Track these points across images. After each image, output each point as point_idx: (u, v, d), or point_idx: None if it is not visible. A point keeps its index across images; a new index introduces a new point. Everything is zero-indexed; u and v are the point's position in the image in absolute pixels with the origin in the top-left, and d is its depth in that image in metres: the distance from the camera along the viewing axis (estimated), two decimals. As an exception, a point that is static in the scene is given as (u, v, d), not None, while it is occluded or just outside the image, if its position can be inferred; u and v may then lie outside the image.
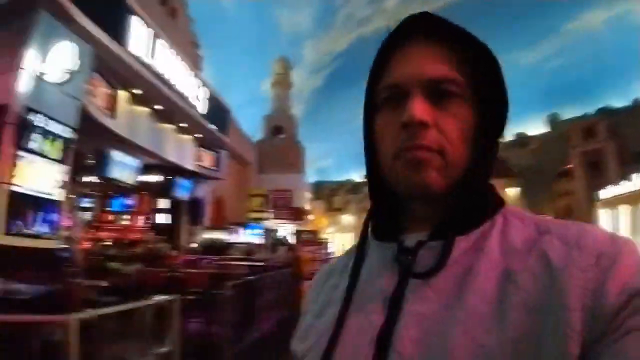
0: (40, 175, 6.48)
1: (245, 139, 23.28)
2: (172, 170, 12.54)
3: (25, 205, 6.24)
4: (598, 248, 0.52)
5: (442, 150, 0.58)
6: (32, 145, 6.28)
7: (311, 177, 30.63)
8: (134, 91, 9.75)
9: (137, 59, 9.06)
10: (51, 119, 6.62)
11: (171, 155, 11.86)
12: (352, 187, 55.43)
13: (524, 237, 0.58)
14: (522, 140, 44.90)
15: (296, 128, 32.89)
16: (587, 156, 30.09)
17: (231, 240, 14.81)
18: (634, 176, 17.91)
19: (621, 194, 18.49)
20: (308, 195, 28.11)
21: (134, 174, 10.42)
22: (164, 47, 10.26)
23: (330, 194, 49.23)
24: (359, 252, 0.68)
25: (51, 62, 6.64)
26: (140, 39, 9.26)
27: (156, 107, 10.63)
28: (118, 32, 8.51)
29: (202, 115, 12.52)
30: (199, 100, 12.33)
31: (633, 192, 17.28)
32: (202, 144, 13.61)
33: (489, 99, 0.62)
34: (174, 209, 14.21)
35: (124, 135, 9.47)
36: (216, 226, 15.87)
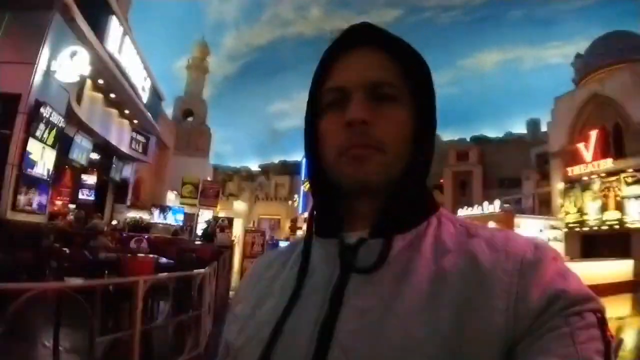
0: (40, 160, 7.43)
1: (169, 124, 23.75)
2: (112, 151, 13.29)
3: (28, 186, 7.20)
4: (522, 254, 0.55)
5: (382, 147, 0.61)
6: (38, 133, 7.27)
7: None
8: (99, 81, 10.59)
9: (110, 55, 9.99)
10: (53, 110, 7.58)
11: (113, 139, 12.70)
12: (248, 175, 56.77)
13: (455, 239, 0.61)
14: (407, 153, 49.82)
15: (206, 112, 33.51)
16: (457, 175, 34.87)
17: (152, 221, 15.73)
18: (485, 203, 22.22)
19: (474, 215, 22.69)
20: (209, 179, 29.07)
21: (86, 155, 11.16)
22: (130, 44, 11.18)
23: (225, 179, 49.92)
24: (306, 247, 0.68)
25: (63, 62, 7.58)
26: (115, 37, 10.19)
27: (112, 95, 11.49)
28: (101, 31, 9.43)
29: (144, 104, 13.47)
30: (144, 90, 13.28)
31: (483, 215, 21.41)
32: (136, 128, 14.45)
33: (422, 103, 0.67)
34: (100, 188, 14.76)
35: (84, 119, 10.32)
36: (138, 206, 16.57)
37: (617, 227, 18.91)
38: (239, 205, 34.63)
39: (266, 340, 0.60)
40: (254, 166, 69.29)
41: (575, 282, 0.53)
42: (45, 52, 7.33)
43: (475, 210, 23.73)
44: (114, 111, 12.54)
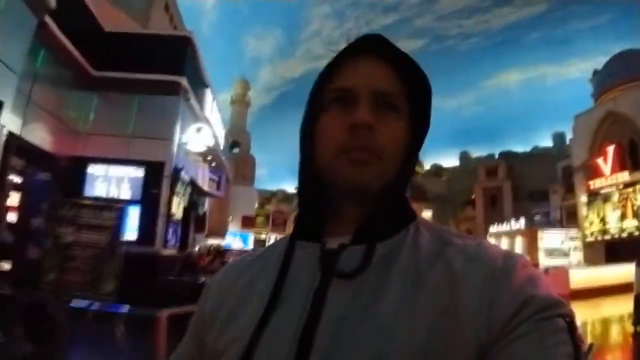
0: (177, 209, 10.15)
1: (229, 160, 26.72)
2: (198, 190, 16.09)
3: (170, 227, 9.90)
4: (494, 262, 0.58)
5: (382, 155, 0.63)
6: (177, 190, 9.97)
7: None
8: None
9: (207, 119, 12.75)
10: (186, 173, 10.31)
11: (199, 180, 15.47)
12: (284, 197, 59.91)
13: (432, 247, 0.62)
14: (438, 171, 51.93)
15: (250, 143, 36.55)
16: (487, 191, 36.73)
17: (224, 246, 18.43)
18: (513, 221, 24.65)
19: (503, 231, 24.87)
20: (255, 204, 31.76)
21: (188, 197, 13.98)
22: (212, 102, 14.00)
23: (263, 202, 52.76)
24: (289, 250, 0.68)
25: (192, 136, 10.33)
26: (209, 103, 12.98)
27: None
28: (201, 102, 12.21)
29: (221, 150, 16.25)
30: (221, 137, 16.08)
31: (511, 231, 23.58)
32: (211, 169, 17.24)
33: (420, 118, 0.69)
34: (184, 220, 17.51)
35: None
36: (213, 233, 19.37)
37: (636, 233, 20.57)
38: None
39: (247, 344, 0.59)
40: (290, 188, 72.20)
41: (544, 289, 0.55)
42: (177, 129, 10.07)
43: (504, 227, 26.14)
44: (200, 158, 15.35)
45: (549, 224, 28.67)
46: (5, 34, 6.08)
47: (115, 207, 6.07)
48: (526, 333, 0.51)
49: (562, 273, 16.68)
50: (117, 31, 10.08)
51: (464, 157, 52.56)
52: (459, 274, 0.57)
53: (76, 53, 8.47)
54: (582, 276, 15.76)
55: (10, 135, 6.57)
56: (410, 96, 0.69)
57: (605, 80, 27.38)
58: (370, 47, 0.68)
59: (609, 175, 22.59)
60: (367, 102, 0.64)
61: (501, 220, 30.58)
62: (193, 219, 18.13)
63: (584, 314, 12.33)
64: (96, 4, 9.39)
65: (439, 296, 0.55)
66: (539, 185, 32.83)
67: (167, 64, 9.87)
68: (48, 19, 7.16)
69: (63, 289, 5.41)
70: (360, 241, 0.63)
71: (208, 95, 12.84)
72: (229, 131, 36.40)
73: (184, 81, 9.91)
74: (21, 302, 5.06)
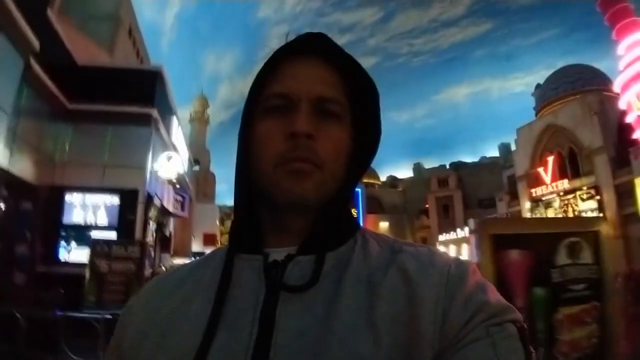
0: (150, 233, 10.68)
1: (191, 180, 27.01)
2: (165, 212, 16.49)
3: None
4: (447, 268, 0.57)
5: (322, 165, 0.60)
6: (150, 214, 10.52)
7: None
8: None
9: (173, 145, 13.30)
10: (158, 198, 10.86)
11: (165, 201, 15.92)
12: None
13: (383, 255, 0.61)
14: (393, 182, 53.83)
15: (210, 161, 36.87)
16: (440, 200, 38.49)
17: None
18: (459, 229, 26.78)
19: (452, 239, 26.76)
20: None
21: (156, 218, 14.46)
22: (179, 130, 14.59)
23: (223, 217, 52.63)
24: (227, 264, 0.62)
25: (163, 164, 10.91)
26: (175, 129, 13.57)
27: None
28: (168, 128, 12.79)
29: (185, 172, 16.77)
30: (185, 160, 16.62)
31: (458, 238, 25.45)
32: (176, 190, 17.68)
33: (365, 127, 0.67)
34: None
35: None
36: (178, 253, 19.64)
37: (577, 238, 22.54)
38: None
39: None
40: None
41: (494, 295, 0.55)
42: (149, 157, 10.62)
43: (452, 235, 28.25)
44: (166, 181, 15.81)
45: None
46: (-4, 77, 6.62)
47: (138, 243, 7.93)
48: (479, 338, 0.51)
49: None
50: (90, 65, 10.54)
51: (417, 168, 54.60)
52: (414, 279, 0.56)
53: (53, 87, 8.94)
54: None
55: (1, 171, 7.05)
56: (355, 100, 0.66)
57: (545, 95, 29.57)
58: (311, 48, 0.65)
59: (549, 183, 24.52)
60: (306, 110, 0.61)
61: (454, 227, 32.30)
62: (159, 240, 18.47)
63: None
64: (68, 36, 9.82)
65: (395, 305, 0.54)
66: (487, 193, 34.71)
67: (138, 96, 10.38)
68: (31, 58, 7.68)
69: (102, 306, 6.88)
70: (308, 252, 0.60)
71: (174, 121, 13.43)
72: (189, 148, 36.72)
73: (154, 113, 10.48)
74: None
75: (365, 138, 0.67)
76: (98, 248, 7.53)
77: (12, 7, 6.67)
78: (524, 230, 2.16)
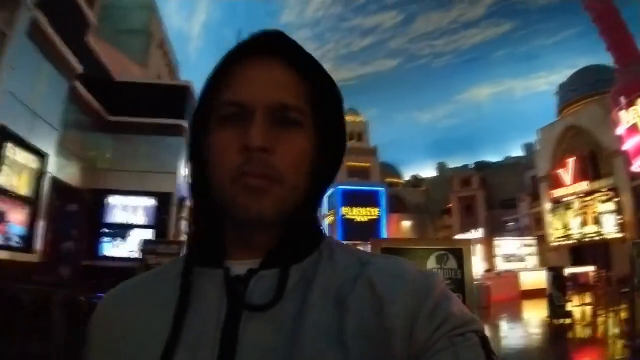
0: (181, 231, 11.75)
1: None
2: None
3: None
4: (414, 280, 0.56)
5: (282, 179, 0.56)
6: (183, 214, 11.56)
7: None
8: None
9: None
10: (188, 200, 11.90)
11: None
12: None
13: (350, 266, 0.59)
14: (416, 181, 53.80)
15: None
16: (463, 200, 38.46)
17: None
18: (472, 230, 27.59)
19: (465, 239, 27.94)
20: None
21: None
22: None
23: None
24: (185, 279, 0.57)
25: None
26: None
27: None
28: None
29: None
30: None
31: (472, 240, 26.48)
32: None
33: (329, 133, 0.63)
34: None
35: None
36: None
37: (597, 238, 22.46)
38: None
39: None
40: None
41: (458, 306, 0.55)
42: (181, 164, 11.65)
43: (467, 235, 29.14)
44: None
45: (519, 230, 30.69)
46: (46, 98, 7.71)
47: (178, 242, 9.26)
48: (443, 349, 0.50)
49: (513, 276, 18.60)
50: (126, 81, 11.70)
51: (440, 167, 54.27)
52: (382, 292, 0.54)
53: (95, 103, 10.06)
54: (531, 278, 17.66)
55: (53, 178, 8.15)
56: (317, 103, 0.61)
57: (567, 95, 29.45)
58: (268, 48, 0.59)
59: (570, 185, 24.59)
60: (262, 120, 0.55)
61: (476, 227, 32.57)
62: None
63: (531, 310, 14.05)
64: (104, 53, 10.94)
65: (364, 319, 0.53)
66: (510, 194, 34.57)
67: (170, 109, 11.42)
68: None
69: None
70: (271, 266, 0.57)
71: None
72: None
73: (185, 124, 11.50)
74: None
75: (331, 143, 0.64)
76: (147, 246, 8.78)
77: (56, 39, 7.66)
78: (407, 245, 3.03)
